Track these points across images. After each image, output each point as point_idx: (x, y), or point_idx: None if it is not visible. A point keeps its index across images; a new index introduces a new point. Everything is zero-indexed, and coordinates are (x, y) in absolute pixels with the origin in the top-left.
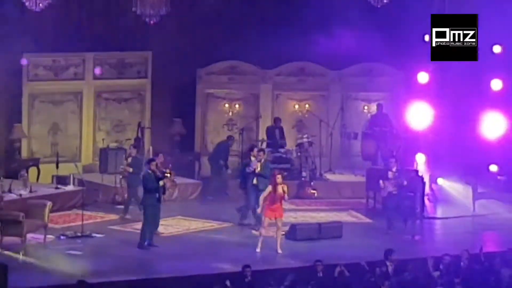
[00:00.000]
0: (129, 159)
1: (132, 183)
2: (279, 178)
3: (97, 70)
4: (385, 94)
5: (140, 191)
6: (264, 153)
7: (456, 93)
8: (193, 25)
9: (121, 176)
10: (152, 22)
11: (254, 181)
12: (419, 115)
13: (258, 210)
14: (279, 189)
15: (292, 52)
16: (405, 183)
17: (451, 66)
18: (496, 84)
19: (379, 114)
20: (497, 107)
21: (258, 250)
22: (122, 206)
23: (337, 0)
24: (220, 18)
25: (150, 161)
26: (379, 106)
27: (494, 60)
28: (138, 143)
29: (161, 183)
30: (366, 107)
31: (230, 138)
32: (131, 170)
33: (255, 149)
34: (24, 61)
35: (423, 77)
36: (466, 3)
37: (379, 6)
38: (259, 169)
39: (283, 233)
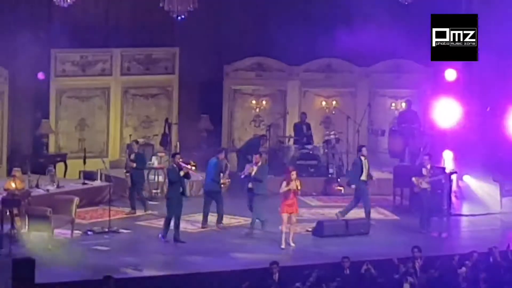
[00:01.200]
0: (132, 155)
1: (136, 179)
2: (293, 174)
3: (41, 75)
4: (413, 91)
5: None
6: (261, 156)
7: (484, 90)
8: (220, 22)
9: (125, 172)
10: (179, 18)
11: (250, 185)
12: (447, 112)
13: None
14: (293, 184)
15: (319, 48)
16: (443, 180)
17: (479, 63)
18: None
19: (408, 111)
20: None
21: (282, 246)
22: (149, 202)
23: None
24: (247, 14)
25: (174, 155)
26: (408, 103)
27: None
28: (165, 139)
29: (181, 173)
30: (393, 104)
31: (262, 137)
32: (134, 165)
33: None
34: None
35: (450, 74)
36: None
37: (406, 3)
38: (254, 173)
39: (310, 229)
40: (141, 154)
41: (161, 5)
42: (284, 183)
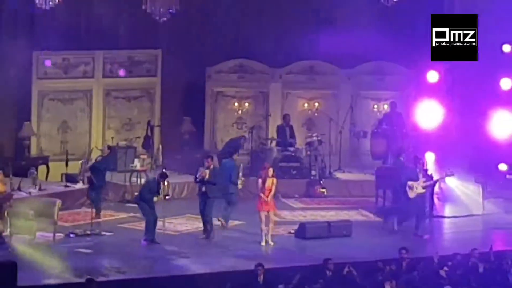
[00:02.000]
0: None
1: (97, 183)
2: (270, 171)
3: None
4: (395, 93)
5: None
6: (212, 160)
7: (466, 92)
8: (203, 24)
9: (81, 178)
10: (161, 20)
11: (203, 189)
12: (429, 114)
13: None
14: (269, 182)
15: (302, 50)
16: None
17: (461, 65)
18: (506, 83)
19: (392, 113)
20: (507, 106)
21: (262, 243)
22: (131, 204)
23: None
24: (229, 17)
25: (163, 176)
26: (392, 105)
27: (504, 59)
28: (147, 141)
29: (155, 199)
30: (376, 106)
31: (242, 137)
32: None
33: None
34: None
35: (433, 76)
36: (476, 2)
37: (389, 5)
38: (207, 176)
39: (292, 231)
40: (108, 158)
41: (143, 7)
42: (260, 180)
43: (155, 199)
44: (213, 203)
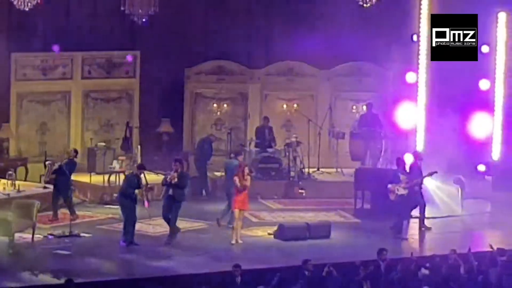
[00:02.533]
0: (56, 165)
1: (61, 187)
2: (246, 170)
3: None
4: (374, 93)
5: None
6: (180, 163)
7: (445, 92)
8: (181, 25)
9: (45, 182)
10: (140, 21)
11: (170, 192)
12: (408, 115)
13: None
14: (245, 181)
15: (281, 51)
16: (420, 180)
17: (440, 66)
18: (485, 84)
19: (369, 114)
20: (485, 107)
21: (233, 242)
22: (110, 206)
23: (326, 0)
24: (208, 18)
25: (140, 167)
26: (368, 106)
27: (483, 60)
28: (126, 142)
29: (137, 191)
30: (354, 107)
31: (211, 136)
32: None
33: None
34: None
35: (411, 77)
36: (454, 3)
37: (367, 6)
38: (176, 179)
39: (271, 232)
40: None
41: (122, 8)
42: (237, 179)
43: (136, 191)
44: (180, 207)
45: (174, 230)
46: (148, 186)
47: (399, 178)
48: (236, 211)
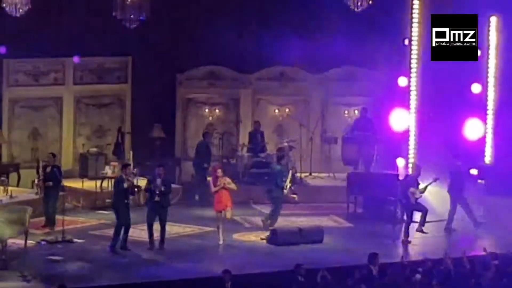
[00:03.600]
0: (48, 169)
1: (50, 194)
2: (219, 172)
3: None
4: (366, 98)
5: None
6: (164, 169)
7: (437, 96)
8: (173, 30)
9: (37, 191)
10: (132, 27)
11: (156, 198)
12: (400, 119)
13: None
14: (221, 183)
15: (273, 56)
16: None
17: (432, 69)
18: (476, 88)
19: (362, 118)
20: (478, 111)
21: (220, 242)
22: (102, 211)
23: (317, 4)
24: (200, 23)
25: (124, 166)
26: (362, 110)
27: (475, 63)
28: (118, 148)
29: (124, 185)
30: (346, 112)
31: (205, 135)
32: (51, 184)
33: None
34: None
35: (403, 81)
36: (447, 7)
37: (358, 10)
38: (163, 188)
39: (263, 237)
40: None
41: (113, 14)
42: (211, 183)
43: (125, 185)
44: (167, 213)
45: (163, 233)
46: (135, 185)
47: (418, 183)
48: (217, 213)
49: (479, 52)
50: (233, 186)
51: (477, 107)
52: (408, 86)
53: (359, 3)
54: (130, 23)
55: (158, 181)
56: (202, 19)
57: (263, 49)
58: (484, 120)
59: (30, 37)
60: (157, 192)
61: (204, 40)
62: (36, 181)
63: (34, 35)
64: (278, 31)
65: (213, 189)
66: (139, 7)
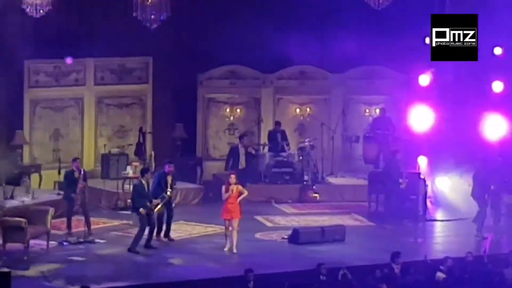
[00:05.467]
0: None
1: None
2: (232, 179)
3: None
4: (387, 97)
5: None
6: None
7: (458, 95)
8: (194, 30)
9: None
10: (152, 27)
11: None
12: (421, 118)
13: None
14: (233, 189)
15: (293, 55)
16: None
17: (452, 68)
18: (497, 86)
19: (382, 117)
20: (498, 109)
21: (225, 249)
22: (124, 212)
23: (337, 3)
24: (220, 23)
25: (145, 171)
26: (382, 110)
27: (495, 61)
28: (139, 148)
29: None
30: (367, 110)
31: (243, 137)
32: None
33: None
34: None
35: (424, 80)
36: (466, 4)
37: (379, 9)
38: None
39: (285, 237)
40: (70, 172)
41: (134, 14)
42: (223, 189)
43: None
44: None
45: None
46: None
47: None
48: (225, 221)
49: (499, 50)
50: (245, 194)
51: (498, 105)
52: (430, 84)
53: (379, 1)
54: (151, 23)
55: (169, 178)
56: (222, 18)
57: (284, 48)
58: (506, 118)
59: (50, 37)
60: (169, 190)
61: (224, 39)
62: None
63: (55, 36)
64: (298, 30)
65: (224, 196)
66: (160, 7)
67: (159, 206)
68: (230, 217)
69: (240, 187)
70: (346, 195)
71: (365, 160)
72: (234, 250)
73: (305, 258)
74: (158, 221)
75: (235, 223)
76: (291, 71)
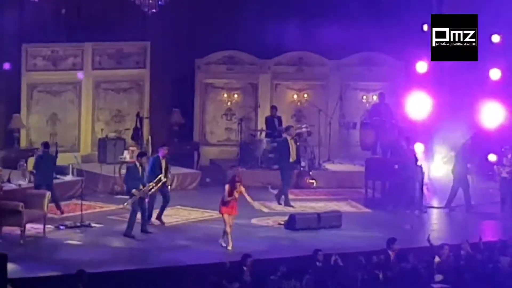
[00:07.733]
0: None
1: (39, 181)
2: (238, 177)
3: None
4: (384, 83)
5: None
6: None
7: (455, 82)
8: (192, 15)
9: (27, 177)
10: (150, 12)
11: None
12: (418, 105)
13: None
14: (239, 191)
15: (291, 41)
16: None
17: None
18: (495, 74)
19: (380, 104)
20: (496, 97)
21: (229, 247)
22: (120, 196)
23: None
24: (218, 8)
25: (141, 154)
26: (380, 96)
27: (493, 49)
28: (136, 133)
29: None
30: (365, 97)
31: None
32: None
33: None
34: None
35: (421, 67)
36: None
37: None
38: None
39: (282, 222)
40: (43, 157)
41: None
42: (227, 188)
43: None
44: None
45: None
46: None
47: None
48: (225, 215)
49: (497, 38)
50: (249, 198)
51: (496, 93)
52: (427, 71)
53: None
54: (149, 8)
55: (163, 162)
56: (220, 4)
57: (282, 34)
58: (504, 106)
59: (48, 21)
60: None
61: (222, 25)
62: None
63: (53, 20)
64: (296, 16)
65: (226, 198)
66: None
67: (153, 190)
68: (230, 212)
69: (242, 188)
70: (343, 182)
71: (362, 146)
72: (229, 248)
73: (301, 244)
74: (149, 205)
75: (232, 220)
76: (289, 57)
